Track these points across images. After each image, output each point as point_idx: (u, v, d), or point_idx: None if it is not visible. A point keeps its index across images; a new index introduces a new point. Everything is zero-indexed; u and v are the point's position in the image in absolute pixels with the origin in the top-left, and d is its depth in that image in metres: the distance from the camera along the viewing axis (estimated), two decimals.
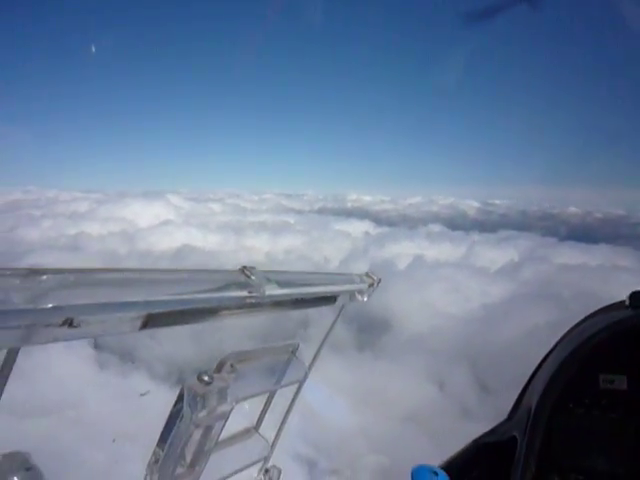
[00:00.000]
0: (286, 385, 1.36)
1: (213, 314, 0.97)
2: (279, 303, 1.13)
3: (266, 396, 1.36)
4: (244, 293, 0.99)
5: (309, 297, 1.25)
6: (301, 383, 1.42)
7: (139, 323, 0.83)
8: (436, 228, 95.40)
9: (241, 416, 1.28)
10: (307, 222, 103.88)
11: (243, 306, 1.02)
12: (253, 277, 1.02)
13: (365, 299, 1.48)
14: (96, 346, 28.45)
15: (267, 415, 1.39)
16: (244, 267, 1.04)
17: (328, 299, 1.36)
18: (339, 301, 1.41)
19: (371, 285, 1.45)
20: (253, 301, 1.02)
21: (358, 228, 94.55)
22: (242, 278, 1.01)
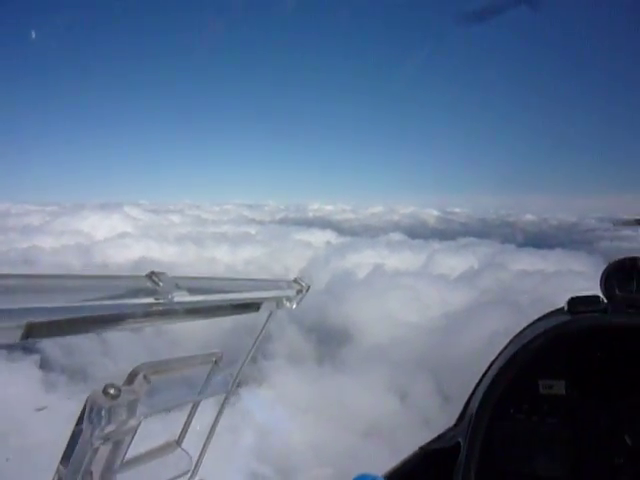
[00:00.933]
0: (208, 396, 1.29)
1: (113, 323, 0.93)
2: (192, 311, 1.07)
3: (189, 408, 1.29)
4: (150, 300, 0.93)
5: (227, 304, 1.18)
6: (227, 394, 1.37)
7: (19, 333, 0.79)
8: (397, 237, 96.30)
9: (166, 429, 1.25)
10: (268, 232, 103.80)
11: (149, 314, 0.97)
12: (161, 283, 0.95)
13: (294, 306, 1.40)
14: (42, 366, 27.17)
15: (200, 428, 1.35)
16: (152, 272, 0.96)
17: (250, 306, 1.28)
18: (264, 308, 1.33)
19: (300, 292, 1.37)
20: (160, 308, 0.96)
21: (320, 238, 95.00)
22: (149, 284, 0.94)
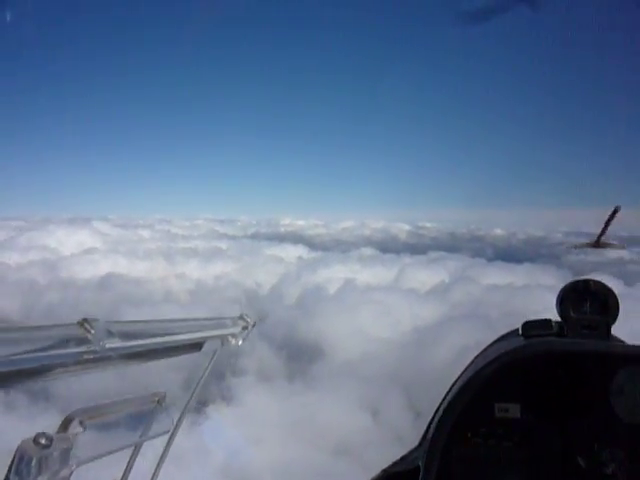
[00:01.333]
0: (151, 438, 1.24)
1: (43, 374, 0.88)
2: (127, 356, 1.03)
3: (132, 450, 1.24)
4: (81, 349, 0.91)
5: (166, 346, 1.15)
6: (172, 434, 1.31)
7: None
8: (368, 251, 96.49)
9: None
10: (240, 247, 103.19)
11: (80, 362, 0.93)
12: (92, 330, 0.92)
13: (239, 343, 1.38)
14: None
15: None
16: (84, 319, 0.93)
17: (193, 346, 1.25)
18: (207, 347, 1.31)
19: (245, 328, 1.37)
20: (91, 356, 0.93)
21: (291, 253, 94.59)
22: (80, 332, 0.91)
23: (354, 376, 28.62)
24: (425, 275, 59.43)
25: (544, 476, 1.93)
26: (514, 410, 1.94)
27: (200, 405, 28.18)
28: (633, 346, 1.97)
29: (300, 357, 32.27)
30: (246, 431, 22.89)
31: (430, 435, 1.98)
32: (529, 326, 2.04)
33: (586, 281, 2.06)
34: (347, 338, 34.56)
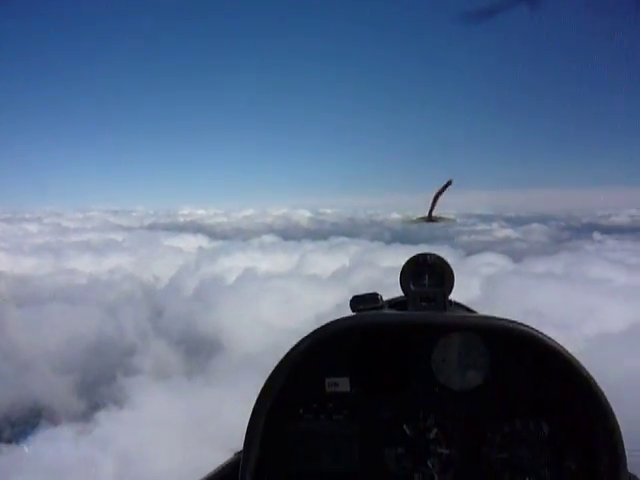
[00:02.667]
0: None
1: None
2: None
3: None
4: None
5: None
6: None
7: None
8: (269, 239, 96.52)
9: None
10: (136, 239, 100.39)
11: None
12: None
13: None
14: None
15: None
16: None
17: None
18: None
19: None
20: None
21: (191, 243, 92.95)
22: None
23: (255, 369, 27.73)
24: (326, 261, 59.78)
25: (373, 446, 1.97)
26: (343, 384, 1.99)
27: (88, 411, 26.38)
28: (453, 316, 2.01)
29: (199, 352, 31.00)
30: (142, 436, 21.44)
31: (248, 419, 1.93)
32: (356, 301, 2.05)
33: (424, 255, 2.13)
34: (247, 329, 33.59)
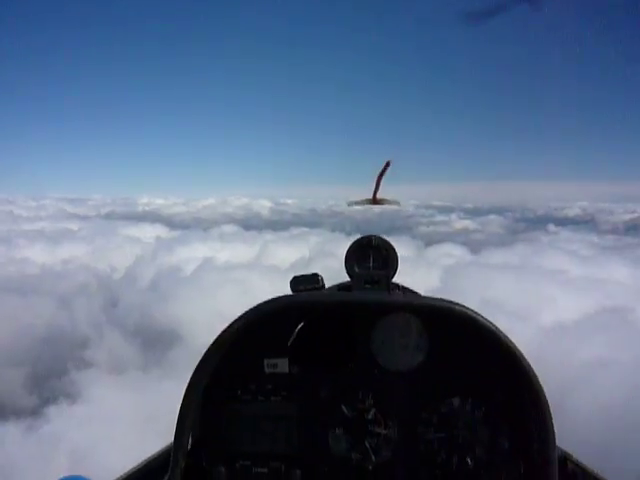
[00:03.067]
0: None
1: None
2: None
3: None
4: None
5: None
6: None
7: None
8: (230, 229, 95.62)
9: None
10: (93, 228, 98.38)
11: None
12: None
13: None
14: None
15: None
16: None
17: None
18: None
19: None
20: None
21: (149, 233, 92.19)
22: None
23: None
24: (287, 251, 59.44)
25: (311, 427, 1.98)
26: (282, 365, 1.99)
27: (38, 406, 25.40)
28: (391, 296, 2.02)
29: (156, 344, 30.23)
30: (95, 431, 20.74)
31: (182, 402, 1.88)
32: (296, 281, 2.04)
33: (369, 237, 2.12)
34: (206, 320, 32.85)
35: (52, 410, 22.84)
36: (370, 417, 1.96)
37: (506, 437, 1.90)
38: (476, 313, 1.84)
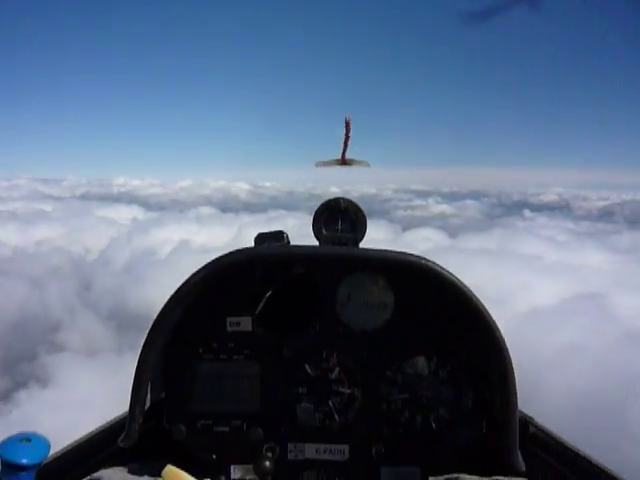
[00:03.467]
0: None
1: None
2: None
3: None
4: None
5: None
6: None
7: None
8: (207, 211, 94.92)
9: None
10: (67, 209, 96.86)
11: None
12: None
13: None
14: None
15: None
16: None
17: None
18: None
19: None
20: None
21: (125, 214, 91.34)
22: None
23: None
24: None
25: (275, 386, 1.94)
26: (245, 323, 1.95)
27: (8, 391, 24.80)
28: (359, 251, 1.95)
29: (131, 328, 29.62)
30: (67, 416, 20.29)
31: (138, 358, 1.85)
32: (261, 237, 2.00)
33: (337, 200, 2.09)
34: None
35: (22, 394, 22.37)
36: (334, 377, 1.95)
37: (469, 396, 1.90)
38: (442, 267, 1.81)
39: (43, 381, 23.63)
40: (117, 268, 43.81)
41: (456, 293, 1.79)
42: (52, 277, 42.12)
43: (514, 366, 1.77)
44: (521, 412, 1.90)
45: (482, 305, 1.78)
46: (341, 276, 1.94)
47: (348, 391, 1.94)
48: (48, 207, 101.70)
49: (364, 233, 2.07)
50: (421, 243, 49.35)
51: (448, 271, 1.81)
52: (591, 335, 24.63)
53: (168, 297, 1.86)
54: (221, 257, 1.85)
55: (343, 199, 2.09)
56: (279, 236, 2.01)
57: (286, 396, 1.95)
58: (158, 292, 35.33)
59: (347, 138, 2.10)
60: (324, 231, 2.07)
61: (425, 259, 1.82)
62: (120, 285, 37.52)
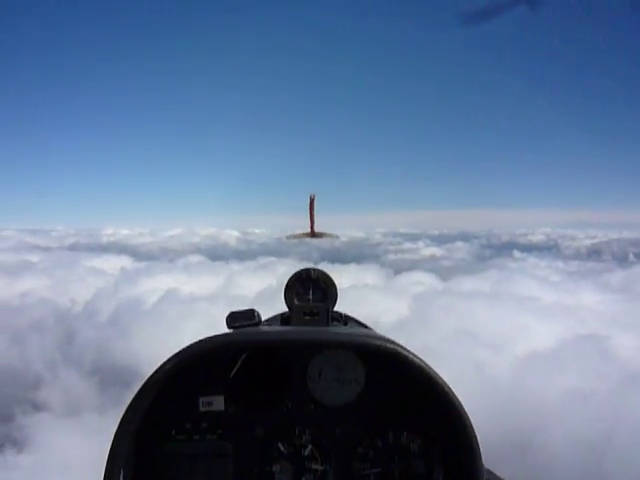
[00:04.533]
0: None
1: None
2: None
3: None
4: None
5: None
6: None
7: None
8: (196, 259, 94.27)
9: None
10: (55, 260, 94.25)
11: None
12: None
13: None
14: None
15: None
16: None
17: None
18: None
19: None
20: None
21: (114, 264, 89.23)
22: None
23: None
24: (253, 280, 58.18)
25: (248, 465, 1.95)
26: (218, 403, 1.96)
27: None
28: (326, 332, 2.01)
29: (115, 384, 28.29)
30: None
31: (111, 445, 1.83)
32: (233, 317, 2.02)
33: (307, 270, 2.16)
34: (167, 355, 31.35)
35: None
36: (307, 453, 1.95)
37: (440, 470, 1.91)
38: (408, 351, 1.84)
39: (19, 445, 22.21)
40: (102, 320, 42.50)
41: (423, 375, 1.82)
42: (34, 330, 40.76)
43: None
44: (489, 472, 1.90)
45: (447, 385, 1.82)
46: (312, 353, 1.94)
47: (321, 467, 1.93)
48: (35, 258, 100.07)
49: (335, 301, 2.15)
50: (414, 287, 48.77)
51: (415, 355, 1.84)
52: (594, 379, 23.86)
53: (140, 385, 1.83)
54: (193, 344, 1.85)
55: (314, 269, 2.15)
56: (250, 315, 2.01)
57: (260, 475, 1.93)
58: (143, 343, 34.22)
59: (312, 214, 2.26)
60: (296, 301, 2.13)
61: (393, 342, 1.84)
62: (104, 337, 36.22)
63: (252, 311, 2.03)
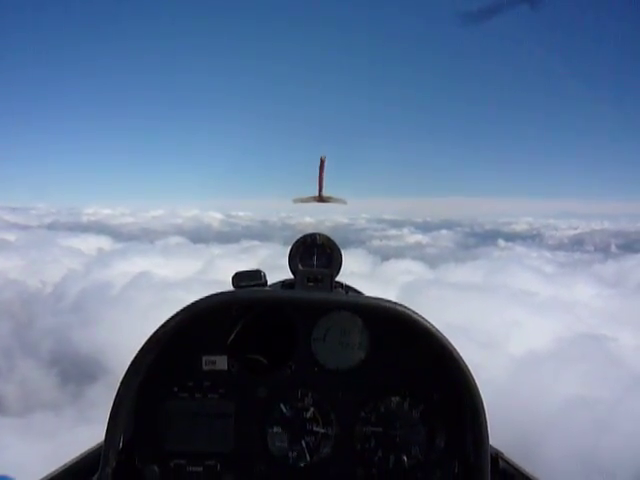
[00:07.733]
0: None
1: None
2: None
3: None
4: None
5: None
6: None
7: None
8: (177, 241, 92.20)
9: None
10: (32, 239, 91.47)
11: None
12: None
13: None
14: None
15: None
16: None
17: None
18: None
19: None
20: None
21: (93, 244, 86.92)
22: None
23: None
24: (234, 264, 56.00)
25: (249, 425, 1.93)
26: (221, 362, 1.93)
27: None
28: (333, 295, 1.97)
29: (77, 378, 25.98)
30: None
31: (114, 400, 1.83)
32: (238, 277, 1.99)
33: (313, 235, 2.12)
34: (133, 348, 28.99)
35: None
36: (308, 416, 1.93)
37: (442, 437, 1.89)
38: (416, 313, 1.81)
39: None
40: (66, 304, 39.78)
41: (431, 338, 1.79)
42: None
43: (484, 404, 1.77)
44: (491, 447, 1.87)
45: (455, 350, 1.78)
46: (317, 316, 1.94)
47: (322, 430, 1.92)
48: (12, 237, 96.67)
49: (339, 268, 2.11)
50: (403, 276, 47.03)
51: (423, 317, 1.81)
52: (597, 382, 22.24)
53: (145, 340, 1.82)
54: (199, 301, 1.84)
55: (319, 235, 2.13)
56: (257, 276, 1.99)
57: (260, 435, 1.93)
58: (112, 332, 31.47)
59: (321, 177, 2.14)
60: (300, 266, 2.11)
61: (402, 305, 1.83)
62: (67, 325, 33.49)
63: (258, 272, 2.00)
